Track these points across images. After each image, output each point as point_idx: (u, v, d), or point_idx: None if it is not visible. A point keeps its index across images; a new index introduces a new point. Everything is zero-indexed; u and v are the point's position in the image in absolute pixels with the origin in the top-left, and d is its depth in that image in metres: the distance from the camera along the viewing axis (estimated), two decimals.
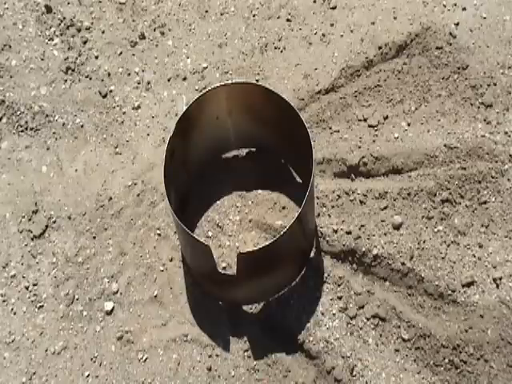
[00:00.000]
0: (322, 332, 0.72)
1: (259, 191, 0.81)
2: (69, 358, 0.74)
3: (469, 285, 0.71)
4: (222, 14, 0.94)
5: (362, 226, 0.76)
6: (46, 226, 0.82)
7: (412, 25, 0.87)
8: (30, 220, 0.82)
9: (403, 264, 0.73)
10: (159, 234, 0.80)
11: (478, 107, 0.81)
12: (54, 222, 0.82)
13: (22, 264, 0.80)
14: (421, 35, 0.86)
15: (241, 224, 0.79)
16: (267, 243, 0.64)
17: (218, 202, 0.81)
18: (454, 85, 0.82)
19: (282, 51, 0.90)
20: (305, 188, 0.66)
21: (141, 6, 0.96)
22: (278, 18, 0.93)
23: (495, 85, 0.81)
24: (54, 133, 0.88)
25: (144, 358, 0.73)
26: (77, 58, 0.93)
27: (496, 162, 0.76)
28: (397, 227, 0.75)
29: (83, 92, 0.91)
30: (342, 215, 0.77)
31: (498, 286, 0.71)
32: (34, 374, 0.74)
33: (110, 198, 0.82)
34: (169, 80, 0.90)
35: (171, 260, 0.78)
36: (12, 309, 0.78)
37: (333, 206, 0.78)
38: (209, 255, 0.66)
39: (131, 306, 0.76)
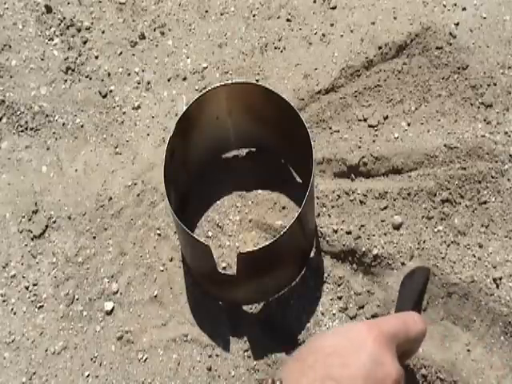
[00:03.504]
0: (322, 332, 0.72)
1: (259, 191, 0.81)
2: (69, 357, 0.74)
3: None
4: (222, 14, 0.94)
5: (362, 226, 0.76)
6: (46, 226, 0.82)
7: (412, 25, 0.87)
8: (30, 220, 0.82)
9: (403, 264, 0.73)
10: (159, 234, 0.80)
11: (478, 107, 0.81)
12: (54, 222, 0.82)
13: (22, 264, 0.80)
14: (421, 35, 0.86)
15: (241, 224, 0.79)
16: (267, 243, 0.64)
17: (218, 201, 0.81)
18: (454, 85, 0.82)
19: (281, 51, 0.90)
20: (305, 188, 0.66)
21: (141, 5, 0.96)
22: (278, 17, 0.93)
23: (495, 85, 0.81)
24: (54, 133, 0.88)
25: (144, 358, 0.73)
26: (77, 58, 0.93)
27: (496, 161, 0.76)
28: (397, 227, 0.75)
29: (83, 92, 0.91)
30: (341, 215, 0.77)
31: (498, 286, 0.71)
32: (34, 374, 0.74)
33: (110, 198, 0.82)
34: (169, 80, 0.90)
35: (171, 260, 0.78)
36: (12, 309, 0.78)
37: (333, 206, 0.78)
38: (209, 255, 0.66)
39: (131, 306, 0.76)
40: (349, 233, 0.75)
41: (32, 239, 0.81)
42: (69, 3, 0.97)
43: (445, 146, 0.78)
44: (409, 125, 0.81)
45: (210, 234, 0.79)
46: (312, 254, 0.76)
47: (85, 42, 0.94)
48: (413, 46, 0.86)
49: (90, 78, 0.92)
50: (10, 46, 0.95)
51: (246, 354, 0.72)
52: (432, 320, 0.70)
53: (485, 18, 0.87)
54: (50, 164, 0.86)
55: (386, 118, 0.82)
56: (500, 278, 0.71)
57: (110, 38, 0.94)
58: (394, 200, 0.77)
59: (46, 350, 0.75)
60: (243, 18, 0.93)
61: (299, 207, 0.67)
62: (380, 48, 0.86)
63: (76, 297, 0.77)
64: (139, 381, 0.72)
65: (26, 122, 0.89)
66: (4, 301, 0.78)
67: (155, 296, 0.76)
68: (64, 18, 0.95)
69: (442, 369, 0.68)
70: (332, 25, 0.91)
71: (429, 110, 0.82)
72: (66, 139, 0.88)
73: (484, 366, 0.68)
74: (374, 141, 0.80)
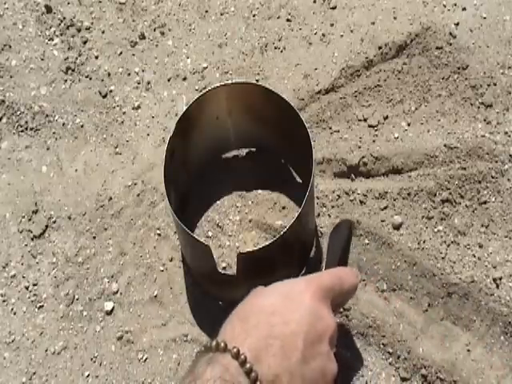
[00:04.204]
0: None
1: (259, 191, 0.81)
2: (69, 358, 0.74)
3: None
4: (222, 14, 0.94)
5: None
6: (46, 226, 0.82)
7: (412, 25, 0.87)
8: (30, 220, 0.82)
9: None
10: (159, 234, 0.80)
11: (478, 107, 0.81)
12: (54, 222, 0.82)
13: (22, 264, 0.80)
14: (421, 35, 0.86)
15: (241, 224, 0.79)
16: (267, 243, 0.64)
17: (218, 201, 0.81)
18: (454, 85, 0.82)
19: (282, 51, 0.90)
20: (305, 188, 0.66)
21: (141, 5, 0.96)
22: (278, 17, 0.93)
23: (495, 85, 0.81)
24: (53, 133, 0.88)
25: (144, 358, 0.73)
26: (77, 58, 0.93)
27: (496, 162, 0.76)
28: (397, 227, 0.75)
29: (83, 92, 0.91)
30: (341, 215, 0.77)
31: (498, 286, 0.71)
32: (34, 374, 0.74)
33: (110, 198, 0.82)
34: (169, 80, 0.90)
35: (171, 260, 0.78)
36: (12, 309, 0.78)
37: (333, 206, 0.78)
38: (209, 255, 0.66)
39: (131, 306, 0.76)
40: None
41: (32, 239, 0.81)
42: (69, 3, 0.97)
43: (445, 146, 0.78)
44: (409, 125, 0.81)
45: (210, 233, 0.79)
46: (312, 254, 0.76)
47: (85, 42, 0.94)
48: (413, 46, 0.86)
49: (90, 78, 0.92)
50: (10, 46, 0.95)
51: None
52: (432, 320, 0.70)
53: (485, 18, 0.87)
54: (50, 164, 0.86)
55: (386, 118, 0.82)
56: (500, 278, 0.71)
57: (110, 38, 0.94)
58: (394, 200, 0.77)
59: (46, 350, 0.75)
60: (243, 18, 0.93)
61: (299, 207, 0.67)
62: (380, 48, 0.86)
63: (76, 297, 0.77)
64: (139, 381, 0.72)
65: (26, 122, 0.89)
66: (4, 301, 0.78)
67: (155, 296, 0.76)
68: (64, 18, 0.95)
69: (442, 369, 0.68)
70: (332, 25, 0.91)
71: (429, 110, 0.82)
72: (66, 139, 0.88)
73: (484, 366, 0.68)
74: (374, 141, 0.80)
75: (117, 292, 0.77)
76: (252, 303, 0.54)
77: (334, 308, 0.56)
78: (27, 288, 0.79)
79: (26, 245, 0.81)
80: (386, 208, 0.76)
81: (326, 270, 0.61)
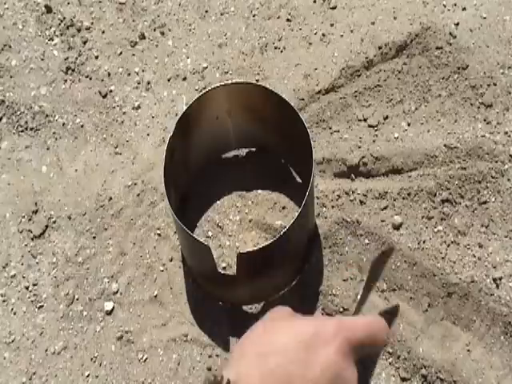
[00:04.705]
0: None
1: (259, 191, 0.81)
2: (69, 358, 0.74)
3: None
4: (222, 14, 0.94)
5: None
6: (46, 226, 0.82)
7: (412, 25, 0.87)
8: (30, 220, 0.82)
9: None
10: (159, 234, 0.80)
11: (478, 107, 0.81)
12: (54, 222, 0.82)
13: (21, 264, 0.80)
14: (421, 35, 0.86)
15: (241, 224, 0.79)
16: (267, 243, 0.64)
17: (218, 202, 0.81)
18: (454, 85, 0.82)
19: (282, 51, 0.90)
20: (305, 188, 0.66)
21: (141, 5, 0.96)
22: (278, 17, 0.93)
23: (495, 85, 0.81)
24: (53, 133, 0.88)
25: (144, 358, 0.73)
26: (77, 58, 0.93)
27: (496, 162, 0.76)
28: (397, 227, 0.75)
29: (83, 92, 0.91)
30: (345, 217, 0.77)
31: (498, 286, 0.71)
32: (34, 374, 0.74)
33: (110, 198, 0.82)
34: (169, 80, 0.90)
35: (171, 260, 0.78)
36: (12, 309, 0.78)
37: (333, 206, 0.78)
38: (209, 255, 0.66)
39: (131, 306, 0.76)
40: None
41: (32, 239, 0.81)
42: (69, 3, 0.97)
43: (445, 146, 0.78)
44: (409, 125, 0.81)
45: (210, 233, 0.79)
46: (312, 254, 0.76)
47: (85, 42, 0.94)
48: (413, 46, 0.86)
49: (90, 78, 0.92)
50: (10, 46, 0.95)
51: None
52: (432, 320, 0.70)
53: (485, 18, 0.87)
54: (50, 164, 0.86)
55: (385, 118, 0.82)
56: (500, 278, 0.71)
57: (110, 38, 0.94)
58: (394, 200, 0.77)
59: (46, 350, 0.75)
60: (243, 18, 0.93)
61: (299, 207, 0.67)
62: (380, 48, 0.86)
63: (76, 297, 0.77)
64: (139, 381, 0.72)
65: (26, 122, 0.89)
66: (4, 301, 0.78)
67: (155, 296, 0.76)
68: (64, 18, 0.95)
69: (442, 369, 0.68)
70: (332, 25, 0.91)
71: (429, 110, 0.82)
72: (66, 139, 0.88)
73: (484, 366, 0.68)
74: (374, 141, 0.80)
75: (117, 292, 0.77)
76: (272, 339, 0.47)
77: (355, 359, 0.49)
78: (27, 288, 0.79)
79: (26, 245, 0.81)
80: (386, 208, 0.76)
81: (360, 318, 0.53)
